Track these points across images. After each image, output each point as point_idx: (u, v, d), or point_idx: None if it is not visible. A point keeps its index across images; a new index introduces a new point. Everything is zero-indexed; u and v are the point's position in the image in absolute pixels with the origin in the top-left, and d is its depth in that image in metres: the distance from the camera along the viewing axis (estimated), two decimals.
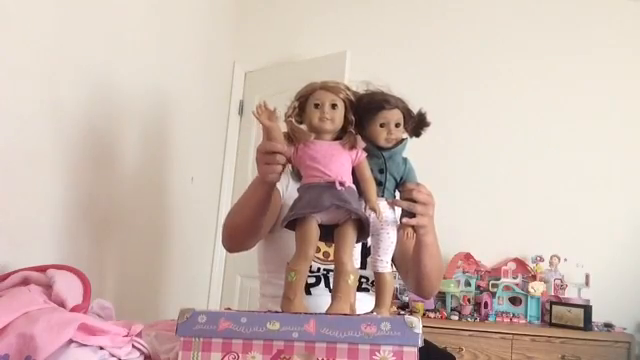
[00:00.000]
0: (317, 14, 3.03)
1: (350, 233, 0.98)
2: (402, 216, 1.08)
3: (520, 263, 2.63)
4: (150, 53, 1.88)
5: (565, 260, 2.56)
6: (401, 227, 1.07)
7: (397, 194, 1.10)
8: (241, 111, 3.01)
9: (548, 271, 2.56)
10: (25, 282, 1.01)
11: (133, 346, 0.90)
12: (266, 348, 0.81)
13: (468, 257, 2.63)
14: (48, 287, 0.98)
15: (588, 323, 2.33)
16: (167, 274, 2.23)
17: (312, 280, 1.25)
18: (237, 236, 1.23)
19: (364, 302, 1.14)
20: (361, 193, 1.03)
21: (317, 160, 0.99)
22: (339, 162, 0.99)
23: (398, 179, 1.07)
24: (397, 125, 1.06)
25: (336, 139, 1.03)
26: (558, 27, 2.85)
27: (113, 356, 0.85)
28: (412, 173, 1.08)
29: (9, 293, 0.95)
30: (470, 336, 2.34)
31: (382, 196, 1.04)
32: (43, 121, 1.30)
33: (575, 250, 2.57)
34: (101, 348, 0.85)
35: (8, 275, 1.03)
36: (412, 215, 1.06)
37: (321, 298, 1.16)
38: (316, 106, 1.01)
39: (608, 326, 2.41)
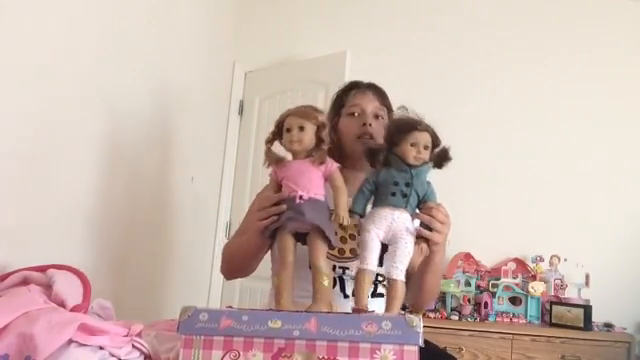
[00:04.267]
0: (317, 14, 3.03)
1: (316, 240, 1.06)
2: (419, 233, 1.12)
3: (520, 263, 2.62)
4: (150, 53, 1.88)
5: (565, 260, 2.55)
6: (416, 242, 1.11)
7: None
8: (241, 111, 3.01)
9: (548, 271, 2.56)
10: (25, 282, 1.01)
11: (133, 346, 0.90)
12: (267, 346, 0.81)
13: (468, 257, 2.63)
14: (48, 287, 0.98)
15: (588, 323, 2.33)
16: (167, 274, 2.23)
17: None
18: (235, 272, 1.42)
19: (380, 307, 1.16)
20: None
21: (288, 177, 1.09)
22: (306, 177, 1.08)
23: (420, 196, 1.12)
24: (425, 147, 1.10)
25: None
26: (558, 28, 2.84)
27: (113, 356, 0.85)
28: (433, 195, 1.13)
29: (9, 293, 0.95)
30: (470, 336, 2.33)
31: (405, 208, 1.09)
32: (43, 121, 1.30)
33: (575, 250, 2.57)
34: (101, 348, 0.85)
35: (8, 275, 1.03)
36: (429, 231, 1.11)
37: (335, 302, 1.18)
38: (288, 131, 1.10)
39: (608, 326, 2.41)
